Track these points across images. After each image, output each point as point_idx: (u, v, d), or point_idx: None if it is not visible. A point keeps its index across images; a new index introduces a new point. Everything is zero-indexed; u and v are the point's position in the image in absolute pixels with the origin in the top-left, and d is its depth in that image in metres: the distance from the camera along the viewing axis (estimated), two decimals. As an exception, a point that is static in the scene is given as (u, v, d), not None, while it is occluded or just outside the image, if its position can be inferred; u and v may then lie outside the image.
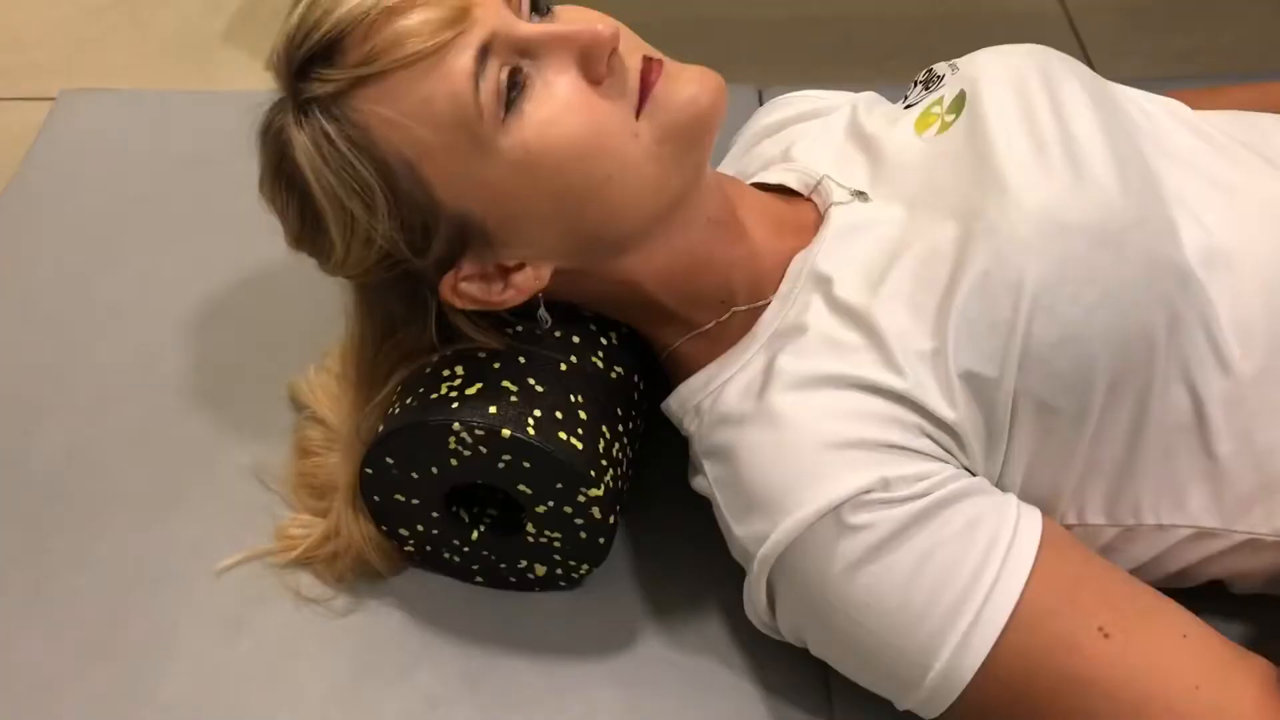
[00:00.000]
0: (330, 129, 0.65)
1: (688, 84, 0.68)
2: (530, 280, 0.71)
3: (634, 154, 0.67)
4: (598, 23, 0.65)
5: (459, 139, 0.65)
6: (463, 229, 0.69)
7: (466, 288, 0.71)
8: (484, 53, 0.64)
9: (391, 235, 0.67)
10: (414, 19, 0.63)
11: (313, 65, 0.65)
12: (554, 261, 0.71)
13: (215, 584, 0.80)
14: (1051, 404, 0.66)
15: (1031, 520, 0.65)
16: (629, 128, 0.67)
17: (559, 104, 0.65)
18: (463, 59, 0.63)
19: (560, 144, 0.65)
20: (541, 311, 0.74)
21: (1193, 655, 0.62)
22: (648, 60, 0.68)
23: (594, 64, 0.66)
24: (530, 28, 0.66)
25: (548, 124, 0.65)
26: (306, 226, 0.71)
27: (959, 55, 0.84)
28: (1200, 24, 1.93)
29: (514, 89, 0.65)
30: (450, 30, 0.63)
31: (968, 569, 0.62)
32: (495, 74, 0.64)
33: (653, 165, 0.67)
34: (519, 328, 0.75)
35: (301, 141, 0.66)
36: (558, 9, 0.69)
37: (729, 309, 0.75)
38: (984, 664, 0.62)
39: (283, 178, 0.70)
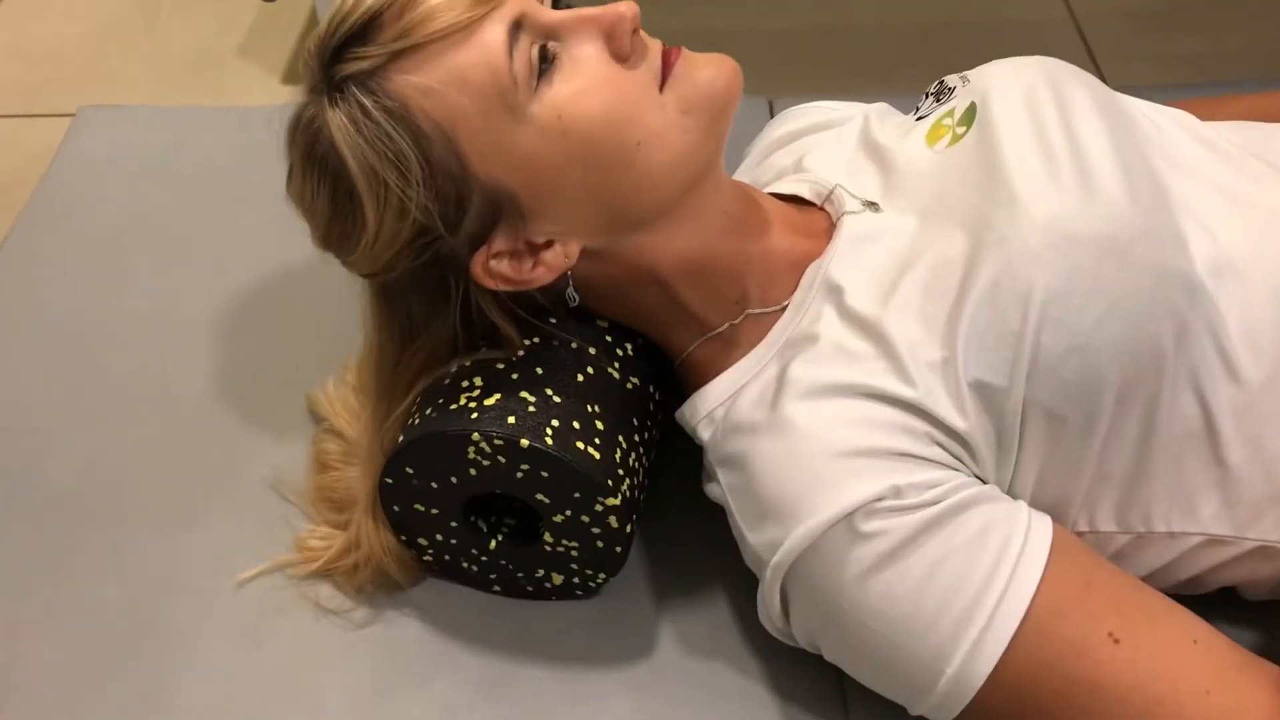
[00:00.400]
0: (367, 101, 0.67)
1: (706, 66, 0.71)
2: (559, 258, 0.73)
3: (661, 123, 0.69)
4: (620, 4, 0.68)
5: (494, 107, 0.67)
6: (495, 201, 0.70)
7: (497, 265, 0.72)
8: (516, 28, 0.67)
9: (426, 205, 0.68)
10: None
11: (348, 46, 0.67)
12: (582, 239, 0.73)
13: (235, 594, 0.81)
14: (1061, 413, 0.67)
15: (1042, 527, 0.65)
16: (655, 99, 0.69)
17: (588, 76, 0.68)
18: (495, 31, 0.66)
19: (592, 112, 0.68)
20: (570, 290, 0.75)
21: (1203, 660, 0.63)
22: (667, 47, 0.71)
23: (619, 40, 0.69)
24: (556, 13, 0.69)
25: (579, 93, 0.68)
26: (338, 211, 0.71)
27: (968, 63, 0.85)
28: (1207, 29, 1.94)
29: (545, 63, 0.67)
30: (481, 6, 0.66)
31: (979, 575, 0.63)
32: (527, 48, 0.67)
33: (679, 134, 0.70)
34: (536, 339, 0.76)
35: (337, 120, 0.68)
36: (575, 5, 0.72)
37: (743, 310, 0.76)
38: (996, 669, 0.62)
39: (314, 164, 0.70)
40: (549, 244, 0.72)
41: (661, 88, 0.70)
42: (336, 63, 0.68)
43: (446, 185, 0.69)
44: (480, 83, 0.66)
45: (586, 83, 0.68)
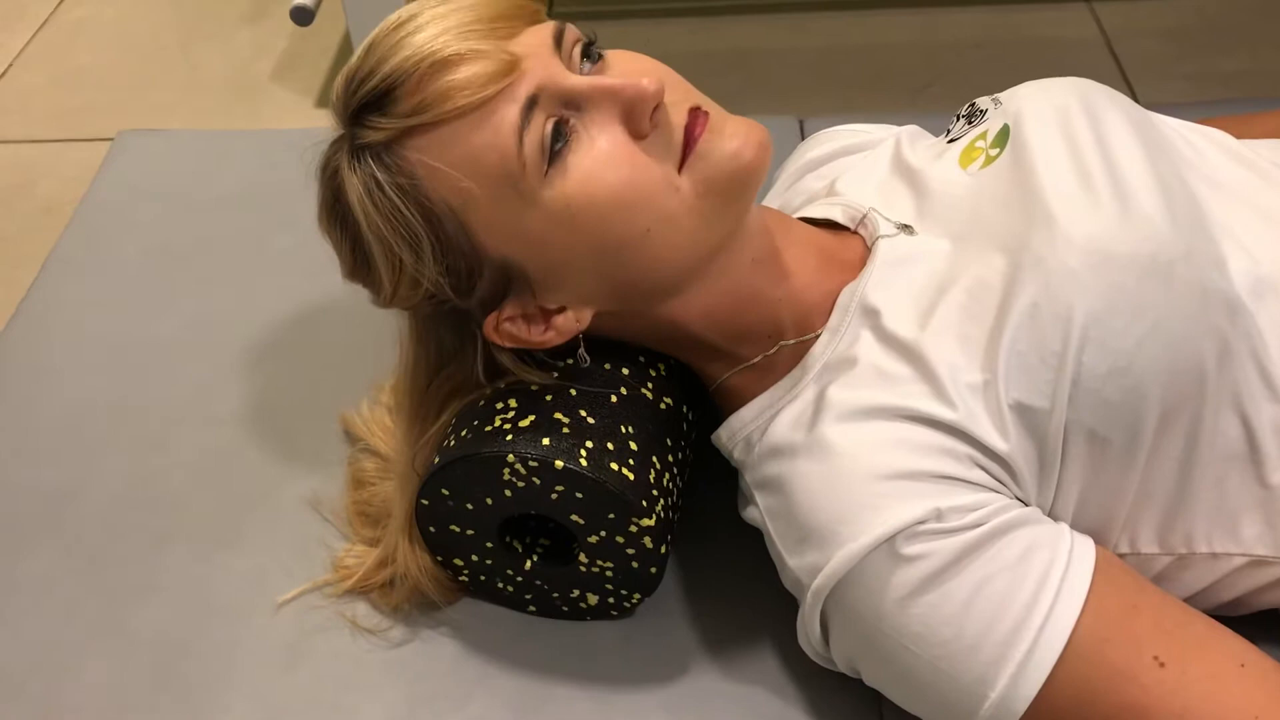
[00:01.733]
0: (381, 176, 0.67)
1: (731, 138, 0.68)
2: (571, 323, 0.73)
3: (673, 207, 0.68)
4: (644, 78, 0.66)
5: (503, 190, 0.66)
6: (505, 274, 0.71)
7: (509, 328, 0.73)
8: (530, 105, 0.65)
9: (437, 279, 0.70)
10: (463, 73, 0.65)
11: (366, 112, 0.67)
12: (595, 306, 0.73)
13: (274, 614, 0.82)
14: (1103, 435, 0.66)
15: (1085, 549, 0.65)
16: (670, 181, 0.67)
17: (601, 157, 0.66)
18: (509, 112, 0.65)
19: (600, 197, 0.66)
20: (581, 351, 0.75)
21: (1250, 683, 0.62)
22: (694, 113, 0.68)
23: (637, 119, 0.67)
24: (577, 81, 0.67)
25: (589, 177, 0.66)
26: (358, 263, 0.73)
27: (998, 82, 0.85)
28: (1239, 46, 1.93)
29: (559, 140, 0.66)
30: (497, 84, 0.65)
31: (1022, 598, 0.62)
32: (540, 126, 0.65)
33: (692, 218, 0.68)
34: (567, 361, 0.77)
35: (354, 185, 0.68)
36: (609, 55, 0.71)
37: (776, 343, 0.76)
38: (1039, 693, 0.62)
39: (337, 216, 0.72)
40: (561, 309, 0.72)
41: (682, 166, 0.68)
42: (355, 125, 0.68)
43: (457, 260, 0.69)
44: (490, 166, 0.66)
45: (598, 165, 0.66)
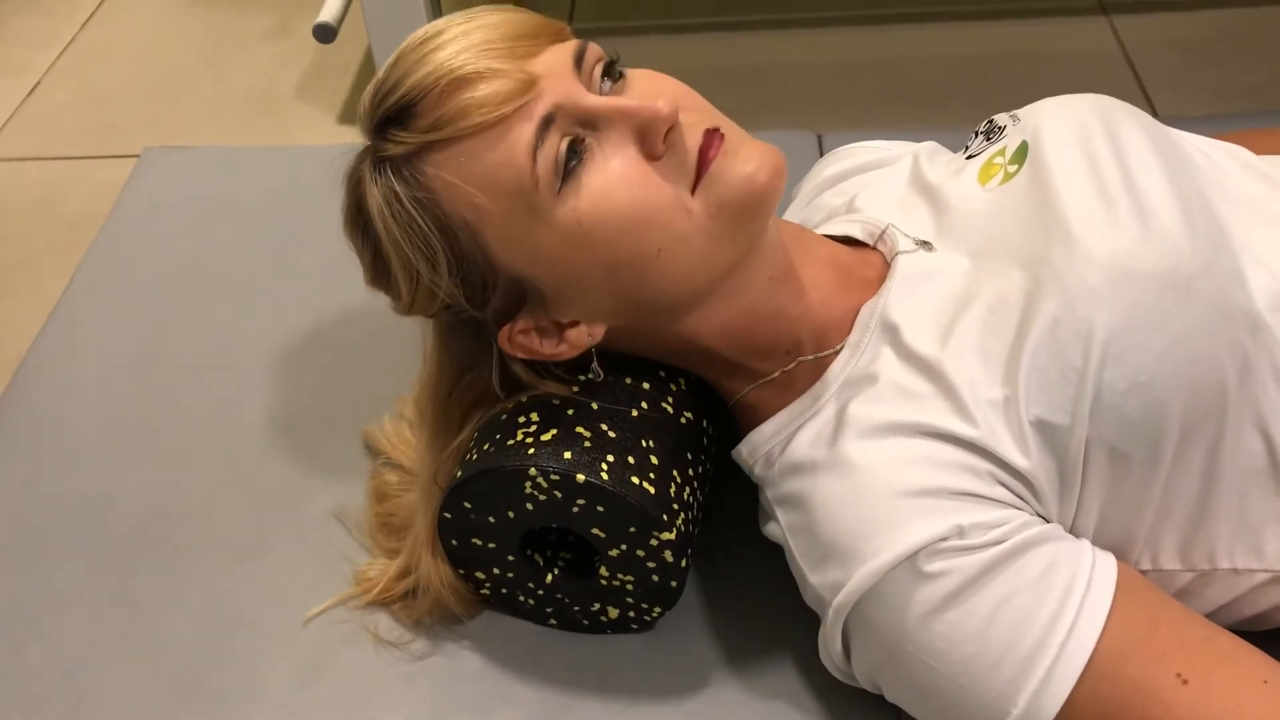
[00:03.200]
0: (399, 189, 0.68)
1: (745, 161, 0.68)
2: (584, 337, 0.73)
3: (685, 228, 0.68)
4: (659, 99, 0.67)
5: (516, 207, 0.67)
6: (519, 287, 0.71)
7: (522, 339, 0.74)
8: (546, 124, 0.66)
9: (453, 290, 0.71)
10: (482, 90, 0.65)
11: (389, 125, 0.68)
12: (608, 321, 0.74)
13: (299, 627, 0.83)
14: (1124, 450, 0.66)
15: (1106, 565, 0.65)
16: (682, 203, 0.68)
17: (613, 177, 0.67)
18: (524, 130, 0.66)
19: (612, 216, 0.67)
20: (595, 365, 0.76)
21: (1274, 700, 0.62)
22: (709, 134, 0.68)
23: (651, 140, 0.67)
24: (594, 101, 0.67)
25: (601, 196, 0.67)
26: (379, 271, 0.74)
27: (1016, 96, 0.85)
28: (1261, 60, 1.92)
29: (574, 159, 0.66)
30: (514, 102, 0.65)
31: (1044, 615, 0.62)
32: (555, 145, 0.66)
33: (704, 240, 0.69)
34: (583, 376, 0.77)
35: (374, 196, 0.69)
36: (630, 73, 0.71)
37: (795, 359, 0.76)
38: (1062, 711, 0.61)
39: (359, 224, 0.73)
40: (574, 323, 0.73)
41: (694, 188, 0.68)
42: (379, 137, 0.69)
43: (472, 272, 0.70)
44: (504, 182, 0.66)
45: (610, 185, 0.66)
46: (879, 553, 0.65)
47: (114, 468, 0.95)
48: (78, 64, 2.15)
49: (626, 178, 0.67)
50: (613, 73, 0.70)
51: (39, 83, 2.10)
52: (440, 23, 0.69)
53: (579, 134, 0.67)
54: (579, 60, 0.69)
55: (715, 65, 1.98)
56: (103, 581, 0.87)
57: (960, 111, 1.85)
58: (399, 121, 0.68)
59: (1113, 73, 1.92)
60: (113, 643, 0.83)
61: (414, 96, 0.67)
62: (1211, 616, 0.69)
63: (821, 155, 1.02)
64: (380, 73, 0.70)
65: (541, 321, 0.73)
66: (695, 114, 0.69)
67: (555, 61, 0.68)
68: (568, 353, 0.74)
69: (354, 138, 0.73)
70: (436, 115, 0.66)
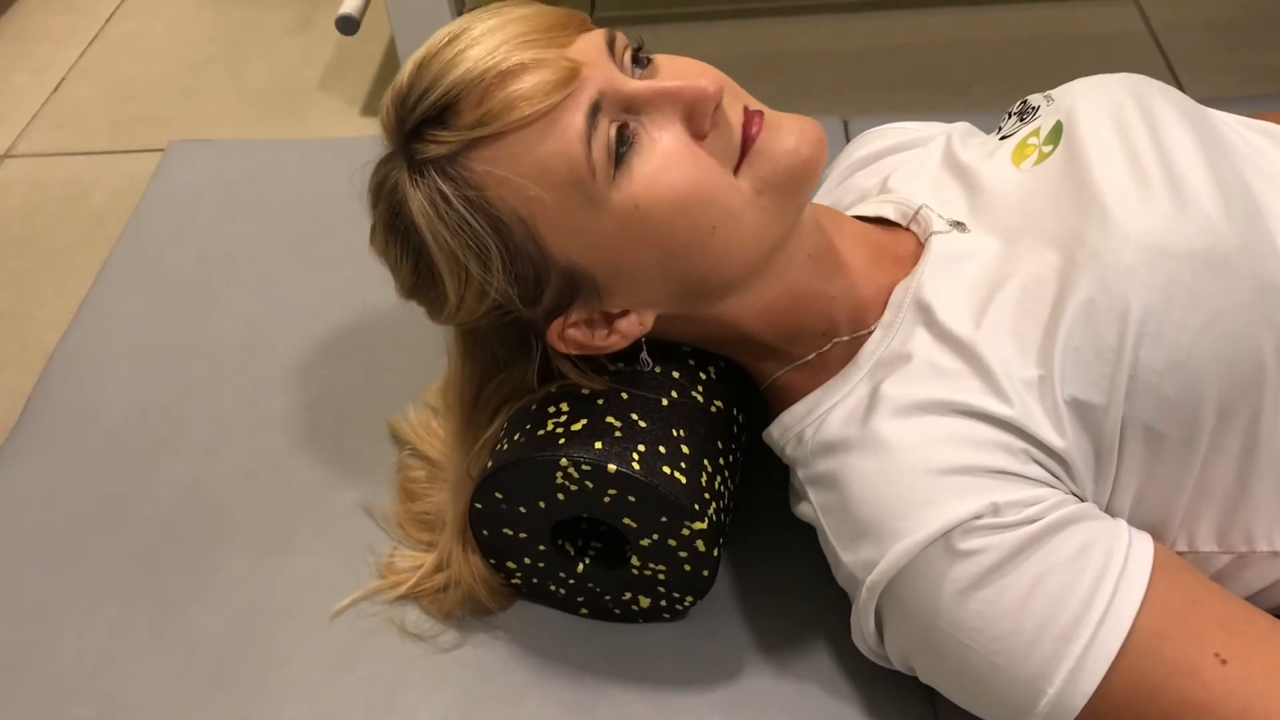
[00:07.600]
0: (446, 189, 0.67)
1: (788, 135, 0.69)
2: (634, 326, 0.73)
3: (736, 204, 0.68)
4: (702, 78, 0.67)
5: (572, 196, 0.66)
6: (571, 280, 0.71)
7: (573, 334, 0.73)
8: (594, 111, 0.65)
9: (505, 289, 0.70)
10: (526, 82, 0.65)
11: (426, 127, 0.67)
12: (658, 308, 0.73)
13: (328, 618, 0.83)
14: (1160, 430, 0.66)
15: (1144, 545, 0.64)
16: (730, 181, 0.68)
17: (665, 158, 0.66)
18: (575, 119, 0.65)
19: (667, 198, 0.66)
20: (644, 355, 0.76)
21: (1315, 683, 0.61)
22: (749, 112, 0.69)
23: (699, 119, 0.67)
24: (637, 85, 0.67)
25: (655, 178, 0.66)
26: (421, 280, 0.73)
27: (1042, 80, 0.84)
28: (1290, 39, 1.90)
29: (623, 144, 0.66)
30: (561, 91, 0.65)
31: (1081, 594, 0.62)
32: (605, 131, 0.66)
33: (754, 214, 0.69)
34: (620, 365, 0.77)
35: (417, 201, 0.68)
36: (657, 59, 0.71)
37: (830, 340, 0.76)
38: (1098, 690, 0.61)
39: (398, 233, 0.71)
40: (625, 313, 0.73)
41: (739, 167, 0.68)
42: (415, 140, 0.68)
43: (525, 268, 0.69)
44: (558, 173, 0.66)
45: (663, 166, 0.66)
46: (913, 530, 0.65)
47: (142, 461, 0.95)
48: (101, 59, 2.16)
49: (678, 157, 0.67)
50: (640, 59, 0.70)
51: (63, 79, 2.11)
52: (462, 22, 0.69)
53: (624, 119, 0.67)
54: (610, 47, 0.69)
55: (738, 52, 1.97)
56: (132, 573, 0.87)
57: (985, 96, 1.83)
58: (439, 121, 0.67)
59: (1141, 55, 1.90)
60: (143, 633, 0.83)
61: (456, 94, 0.66)
62: (1250, 600, 0.68)
63: (848, 140, 1.02)
64: (403, 78, 0.68)
65: (593, 314, 0.73)
66: (730, 94, 0.69)
67: (590, 49, 0.68)
68: (618, 343, 0.73)
69: (377, 129, 0.72)
70: (481, 111, 0.65)
